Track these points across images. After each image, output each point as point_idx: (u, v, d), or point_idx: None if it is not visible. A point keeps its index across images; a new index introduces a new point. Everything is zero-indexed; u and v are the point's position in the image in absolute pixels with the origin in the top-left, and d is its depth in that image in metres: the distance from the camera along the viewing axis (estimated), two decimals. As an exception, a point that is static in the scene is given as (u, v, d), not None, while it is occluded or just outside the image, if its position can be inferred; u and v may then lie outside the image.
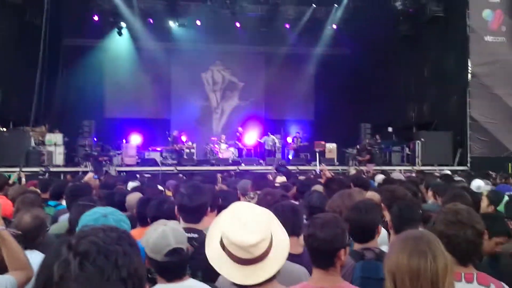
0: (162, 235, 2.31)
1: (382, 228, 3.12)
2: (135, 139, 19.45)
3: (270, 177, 8.34)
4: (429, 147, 16.11)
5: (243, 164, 16.49)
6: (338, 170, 14.95)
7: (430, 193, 5.80)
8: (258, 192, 4.59)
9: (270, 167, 15.02)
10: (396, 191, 3.83)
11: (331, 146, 17.63)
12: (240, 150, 18.78)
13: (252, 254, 1.94)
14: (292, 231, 2.71)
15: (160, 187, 6.67)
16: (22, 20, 16.37)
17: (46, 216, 4.00)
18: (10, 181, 7.31)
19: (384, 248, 2.91)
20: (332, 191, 4.21)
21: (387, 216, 3.28)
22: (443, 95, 17.56)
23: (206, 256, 2.06)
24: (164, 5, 18.90)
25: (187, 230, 2.91)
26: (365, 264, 2.77)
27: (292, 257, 2.31)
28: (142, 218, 3.73)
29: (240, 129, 19.70)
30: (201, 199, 3.06)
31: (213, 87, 22.79)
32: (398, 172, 10.94)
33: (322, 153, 17.16)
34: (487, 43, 16.00)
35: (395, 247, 1.83)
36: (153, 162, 16.24)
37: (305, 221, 3.24)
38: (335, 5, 19.05)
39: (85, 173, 10.81)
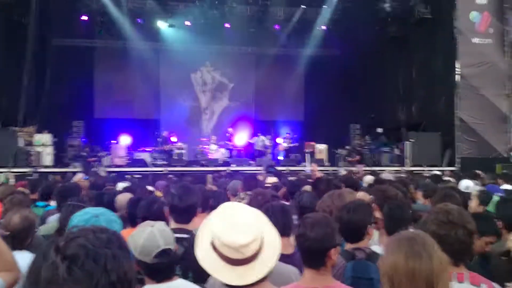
0: (150, 237, 2.30)
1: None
2: (125, 139, 19.32)
3: (260, 177, 8.34)
4: (418, 148, 16.19)
5: (233, 165, 16.46)
6: (328, 171, 14.98)
7: (419, 193, 5.84)
8: (249, 192, 4.59)
9: (260, 168, 15.01)
10: (387, 191, 3.84)
11: (321, 147, 17.65)
12: (230, 151, 18.75)
13: (244, 254, 1.93)
14: (283, 231, 2.70)
15: (150, 188, 6.64)
16: (9, 18, 16.17)
17: (35, 217, 3.96)
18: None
19: (375, 248, 2.92)
20: (320, 191, 4.22)
21: (379, 216, 3.29)
22: (432, 96, 17.69)
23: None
24: (153, 5, 18.81)
25: (178, 230, 2.90)
26: (356, 264, 2.78)
27: (283, 258, 2.31)
28: (132, 218, 3.71)
29: (230, 129, 19.66)
30: (191, 199, 3.06)
31: (202, 87, 22.72)
32: (388, 172, 10.99)
33: (312, 154, 17.20)
34: (475, 45, 16.12)
35: (391, 249, 1.83)
36: (143, 163, 16.16)
37: (295, 221, 3.25)
38: (324, 6, 19.08)
39: (74, 173, 10.73)
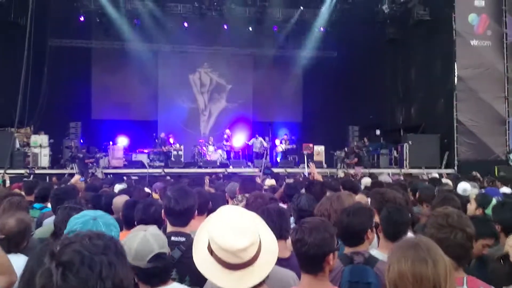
0: (143, 241, 2.27)
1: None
2: (122, 141, 19.30)
3: (258, 180, 8.32)
4: (417, 150, 16.20)
5: (231, 167, 16.44)
6: (327, 173, 14.97)
7: (416, 197, 5.82)
8: (246, 195, 4.56)
9: (257, 169, 14.99)
10: (386, 194, 3.82)
11: (319, 149, 17.65)
12: (228, 153, 18.73)
13: (241, 258, 1.90)
14: (280, 235, 2.69)
15: (147, 190, 6.60)
16: (6, 19, 16.17)
17: (31, 220, 3.93)
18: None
19: (374, 252, 2.89)
20: (313, 195, 4.18)
21: (378, 219, 3.27)
22: (430, 98, 17.70)
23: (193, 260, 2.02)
24: (151, 6, 18.80)
25: (174, 233, 2.87)
26: (353, 268, 2.75)
27: (280, 261, 2.29)
28: (129, 221, 3.68)
29: (228, 131, 19.64)
30: (188, 202, 3.03)
31: (200, 89, 22.72)
32: (386, 175, 10.96)
33: (310, 156, 17.18)
34: (473, 47, 16.16)
35: (396, 257, 1.81)
36: (140, 164, 16.13)
37: (293, 224, 3.22)
38: (323, 7, 19.10)
39: (71, 175, 10.70)
